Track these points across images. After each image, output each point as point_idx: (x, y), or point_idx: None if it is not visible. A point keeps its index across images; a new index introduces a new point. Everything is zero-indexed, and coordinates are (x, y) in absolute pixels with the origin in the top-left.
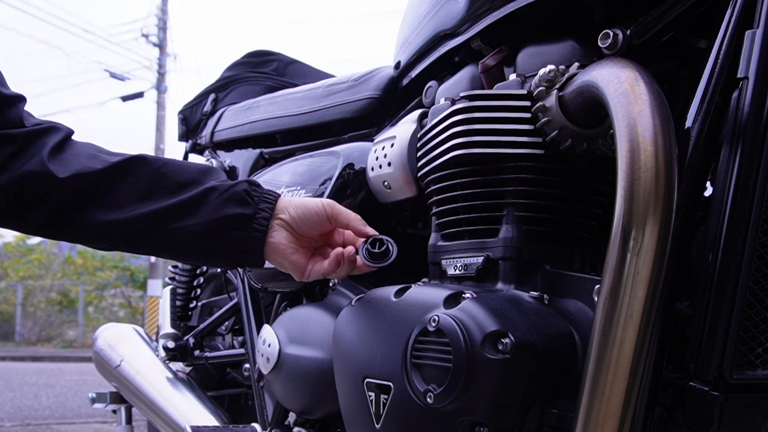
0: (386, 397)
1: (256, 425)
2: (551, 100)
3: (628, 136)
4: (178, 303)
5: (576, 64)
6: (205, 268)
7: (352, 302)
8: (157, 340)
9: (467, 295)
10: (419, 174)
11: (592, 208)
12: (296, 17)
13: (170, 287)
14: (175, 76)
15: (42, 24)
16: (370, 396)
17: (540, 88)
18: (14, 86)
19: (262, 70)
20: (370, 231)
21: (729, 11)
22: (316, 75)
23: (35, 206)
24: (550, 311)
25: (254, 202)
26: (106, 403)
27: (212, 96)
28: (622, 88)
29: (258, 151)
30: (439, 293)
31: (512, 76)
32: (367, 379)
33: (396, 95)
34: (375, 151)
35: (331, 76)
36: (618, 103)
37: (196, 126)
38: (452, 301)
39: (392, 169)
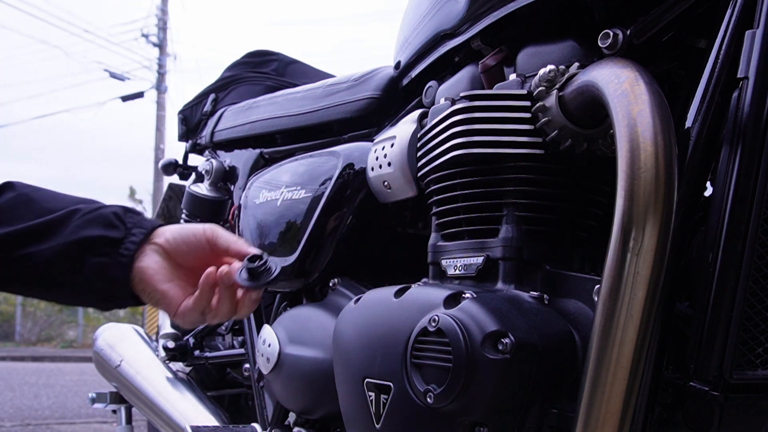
0: (386, 397)
1: (256, 425)
2: (551, 100)
3: (628, 136)
4: None
5: (576, 64)
6: None
7: (352, 302)
8: (157, 340)
9: (467, 295)
10: (419, 174)
11: (592, 208)
12: (296, 17)
13: None
14: (175, 76)
15: (42, 24)
16: (370, 396)
17: (540, 88)
18: (14, 86)
19: (262, 70)
20: (253, 250)
21: (729, 11)
22: (316, 75)
23: None
24: (550, 311)
25: (125, 226)
26: (106, 403)
27: (212, 96)
28: (622, 88)
29: (258, 151)
30: (439, 293)
31: (512, 76)
32: (367, 379)
33: (396, 95)
34: (375, 151)
35: (331, 76)
36: (618, 103)
37: (196, 126)
38: (452, 301)
39: (392, 169)
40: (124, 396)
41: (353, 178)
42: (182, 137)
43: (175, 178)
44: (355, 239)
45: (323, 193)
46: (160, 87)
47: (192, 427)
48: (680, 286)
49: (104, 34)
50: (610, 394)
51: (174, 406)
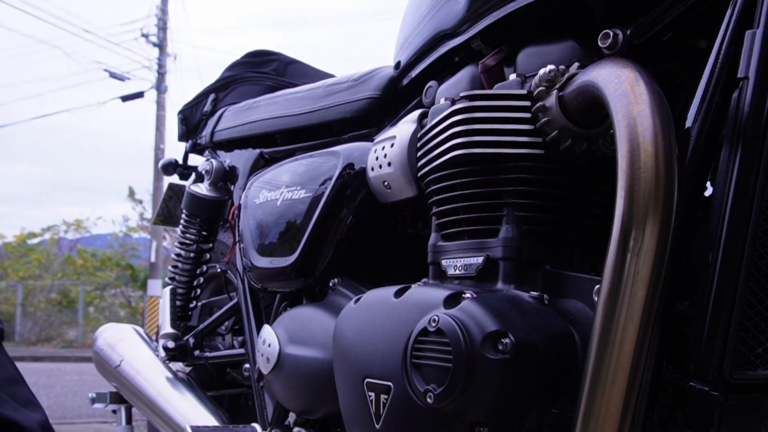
0: (386, 397)
1: (256, 425)
2: (551, 100)
3: (628, 136)
4: (178, 303)
5: (576, 64)
6: (205, 267)
7: (352, 302)
8: (157, 340)
9: (467, 295)
10: (419, 174)
11: (592, 208)
12: (296, 17)
13: (170, 287)
14: (175, 76)
15: (42, 24)
16: (370, 396)
17: (540, 88)
18: (14, 86)
19: (262, 70)
20: None
21: (729, 11)
22: (316, 75)
23: None
24: (550, 311)
25: None
26: (106, 403)
27: (212, 96)
28: (622, 88)
29: (258, 151)
30: (439, 293)
31: (512, 76)
32: (367, 379)
33: (396, 95)
34: (375, 151)
35: (331, 76)
36: (618, 103)
37: (196, 126)
38: (452, 301)
39: (392, 169)
40: (124, 396)
41: (353, 178)
42: (182, 137)
43: (175, 178)
44: (355, 239)
45: (323, 193)
46: (160, 87)
47: (192, 427)
48: (680, 286)
49: (104, 34)
50: (610, 394)
51: (174, 406)
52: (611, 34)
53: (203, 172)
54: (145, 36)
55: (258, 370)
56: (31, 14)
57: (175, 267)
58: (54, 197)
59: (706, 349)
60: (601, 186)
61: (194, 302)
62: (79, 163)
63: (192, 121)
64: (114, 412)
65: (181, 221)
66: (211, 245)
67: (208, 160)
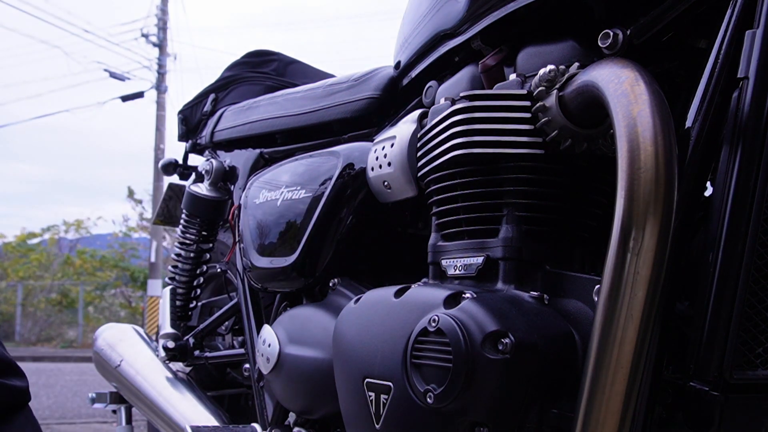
0: (386, 397)
1: (256, 425)
2: (551, 100)
3: (628, 136)
4: (178, 303)
5: (576, 64)
6: (204, 267)
7: (352, 302)
8: (157, 340)
9: (467, 295)
10: (419, 174)
11: (592, 208)
12: (296, 17)
13: (170, 287)
14: (175, 76)
15: (42, 24)
16: (370, 396)
17: (540, 88)
18: (14, 86)
19: (262, 70)
20: None
21: (729, 11)
22: (316, 75)
23: None
24: (550, 311)
25: None
26: (106, 403)
27: (212, 96)
28: (622, 88)
29: (258, 151)
30: (439, 293)
31: (512, 76)
32: (367, 379)
33: (396, 95)
34: (375, 151)
35: (331, 76)
36: (618, 103)
37: (196, 126)
38: (452, 301)
39: (392, 169)
40: (124, 396)
41: (353, 178)
42: (182, 137)
43: (175, 178)
44: (355, 239)
45: (323, 193)
46: (160, 87)
47: (192, 427)
48: (680, 286)
49: (104, 34)
50: (610, 394)
51: (174, 406)
52: (611, 34)
53: (203, 172)
54: (145, 36)
55: (258, 370)
56: (31, 14)
57: (175, 267)
58: (54, 197)
59: (706, 349)
60: (601, 186)
61: (194, 302)
62: (79, 163)
63: (192, 121)
64: (114, 412)
65: (181, 221)
66: (211, 245)
67: (208, 160)
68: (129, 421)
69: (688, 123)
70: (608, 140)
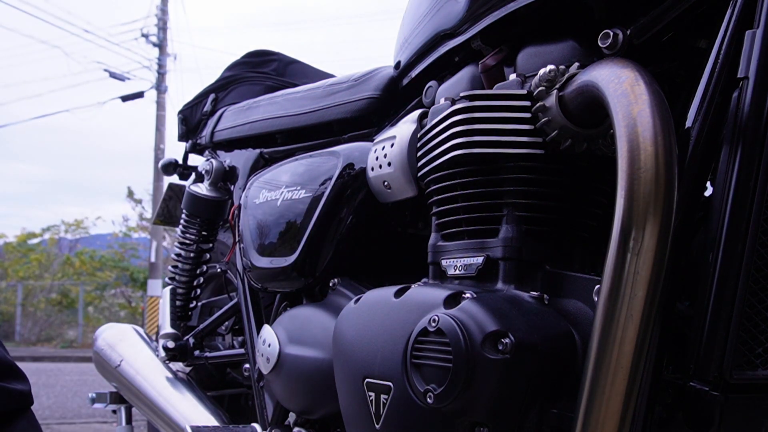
0: (386, 397)
1: (256, 425)
2: (551, 100)
3: (628, 136)
4: (178, 303)
5: (576, 64)
6: (205, 267)
7: (352, 302)
8: (157, 340)
9: (467, 295)
10: (419, 174)
11: (592, 208)
12: (296, 17)
13: (170, 287)
14: (175, 76)
15: (42, 24)
16: (370, 396)
17: (540, 88)
18: (14, 86)
19: (262, 70)
20: None
21: (729, 11)
22: (316, 75)
23: None
24: (550, 311)
25: None
26: (106, 403)
27: (212, 96)
28: (622, 88)
29: (258, 151)
30: (439, 293)
31: (512, 76)
32: (367, 379)
33: (396, 95)
34: (375, 151)
35: (331, 76)
36: (618, 103)
37: (196, 126)
38: (452, 301)
39: (392, 169)
40: (124, 396)
41: (353, 178)
42: (182, 137)
43: (175, 178)
44: (355, 239)
45: (323, 193)
46: (160, 87)
47: (192, 427)
48: (680, 286)
49: (104, 34)
50: (610, 394)
51: (174, 406)
52: (611, 34)
53: (203, 172)
54: (145, 36)
55: (258, 370)
56: (31, 14)
57: (175, 267)
58: (54, 197)
59: (706, 349)
60: (601, 186)
61: (194, 302)
62: (79, 163)
63: (192, 121)
64: (114, 412)
65: (181, 221)
66: (211, 245)
67: (208, 160)
68: (129, 421)
69: (688, 123)
70: (608, 140)
